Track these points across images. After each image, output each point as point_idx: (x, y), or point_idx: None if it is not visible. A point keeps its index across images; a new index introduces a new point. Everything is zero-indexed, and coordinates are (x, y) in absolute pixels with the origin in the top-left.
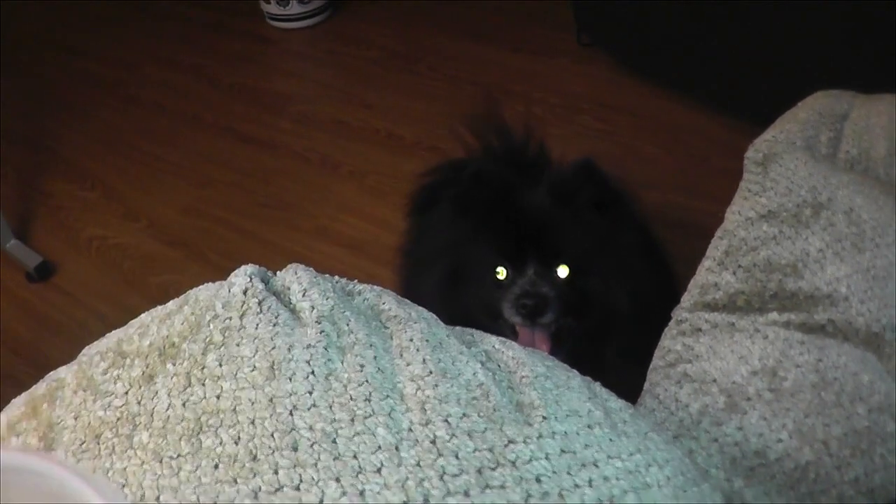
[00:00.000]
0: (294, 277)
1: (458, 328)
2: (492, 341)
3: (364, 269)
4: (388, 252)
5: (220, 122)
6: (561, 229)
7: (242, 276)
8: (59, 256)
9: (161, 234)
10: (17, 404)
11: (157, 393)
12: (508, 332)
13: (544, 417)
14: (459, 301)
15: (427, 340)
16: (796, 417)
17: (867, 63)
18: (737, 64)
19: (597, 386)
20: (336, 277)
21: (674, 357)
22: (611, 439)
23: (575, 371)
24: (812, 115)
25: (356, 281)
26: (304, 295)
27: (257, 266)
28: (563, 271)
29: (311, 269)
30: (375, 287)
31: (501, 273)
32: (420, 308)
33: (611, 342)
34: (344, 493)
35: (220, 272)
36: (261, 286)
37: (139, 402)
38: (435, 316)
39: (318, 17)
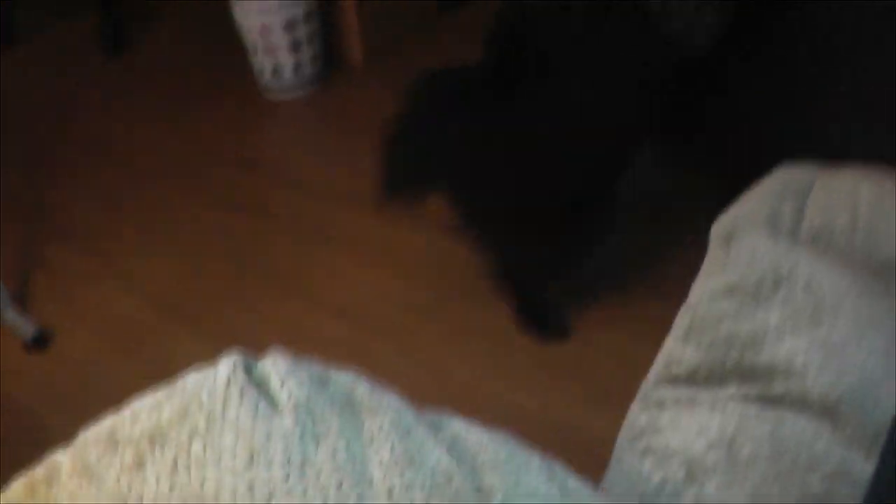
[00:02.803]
0: (273, 367)
1: (427, 415)
2: (459, 425)
3: (357, 340)
4: (382, 321)
5: (214, 191)
6: None
7: (226, 366)
8: (57, 323)
9: (156, 304)
10: (16, 486)
11: (146, 478)
12: None
13: (503, 500)
14: None
15: (396, 429)
16: (752, 486)
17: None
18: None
19: (557, 466)
20: (312, 365)
21: (638, 430)
22: None
23: (536, 454)
24: (776, 189)
25: (332, 369)
26: (282, 385)
27: (242, 354)
28: None
29: (289, 357)
30: (350, 374)
31: None
32: (391, 395)
33: None
34: None
35: (215, 341)
36: (242, 376)
37: (129, 488)
38: (405, 403)
39: (311, 86)
